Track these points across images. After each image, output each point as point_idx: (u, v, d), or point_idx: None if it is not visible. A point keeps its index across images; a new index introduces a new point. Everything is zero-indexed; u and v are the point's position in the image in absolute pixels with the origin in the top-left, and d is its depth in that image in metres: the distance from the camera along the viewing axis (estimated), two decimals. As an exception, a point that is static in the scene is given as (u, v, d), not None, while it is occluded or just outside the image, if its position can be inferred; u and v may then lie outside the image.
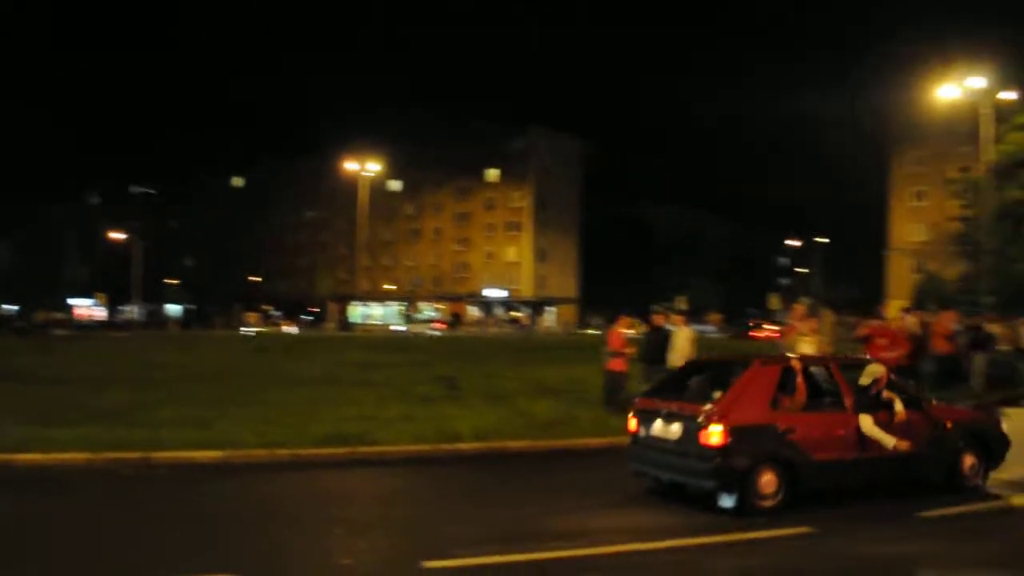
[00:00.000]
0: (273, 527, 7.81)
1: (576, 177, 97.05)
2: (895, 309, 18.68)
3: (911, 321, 17.13)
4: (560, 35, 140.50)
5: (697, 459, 8.04)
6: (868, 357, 12.11)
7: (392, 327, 74.93)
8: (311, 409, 14.17)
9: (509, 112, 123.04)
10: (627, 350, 14.67)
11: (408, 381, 19.39)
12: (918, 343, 16.45)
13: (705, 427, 7.98)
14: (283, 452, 11.02)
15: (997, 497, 8.94)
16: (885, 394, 8.75)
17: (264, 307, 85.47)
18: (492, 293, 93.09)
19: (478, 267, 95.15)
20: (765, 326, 63.24)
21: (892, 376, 9.11)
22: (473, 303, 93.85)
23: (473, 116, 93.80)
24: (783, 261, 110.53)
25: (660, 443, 8.63)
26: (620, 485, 10.01)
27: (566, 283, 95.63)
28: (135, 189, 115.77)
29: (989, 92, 35.67)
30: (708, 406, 8.20)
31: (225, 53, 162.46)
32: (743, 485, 7.93)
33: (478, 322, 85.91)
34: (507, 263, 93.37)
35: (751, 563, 6.73)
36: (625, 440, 12.36)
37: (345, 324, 79.78)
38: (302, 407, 14.44)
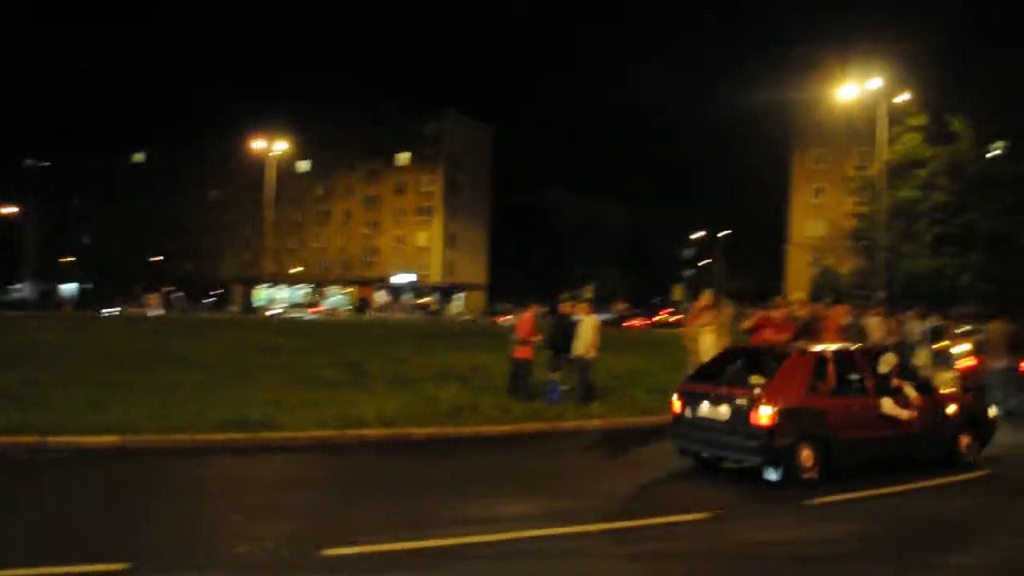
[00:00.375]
0: (169, 514, 7.67)
1: (487, 164, 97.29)
2: (797, 299, 19.32)
3: (797, 307, 17.70)
4: (474, 23, 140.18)
5: (746, 437, 9.02)
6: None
7: (268, 312, 74.08)
8: (211, 393, 13.90)
9: (422, 96, 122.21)
10: (534, 338, 14.81)
11: (313, 366, 19.19)
12: (806, 330, 17.04)
13: (755, 409, 8.93)
14: (181, 437, 10.80)
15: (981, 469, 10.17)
16: (895, 381, 9.87)
17: (166, 288, 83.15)
18: (401, 278, 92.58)
19: (388, 251, 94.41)
20: (656, 316, 65.15)
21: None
22: (382, 288, 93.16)
23: (386, 98, 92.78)
24: (687, 252, 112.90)
25: (708, 423, 9.57)
26: (521, 472, 10.16)
27: (475, 269, 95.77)
28: (29, 162, 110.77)
29: (886, 94, 37.06)
30: (757, 390, 9.13)
31: (126, 22, 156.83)
32: (787, 461, 8.92)
33: (386, 307, 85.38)
34: (417, 248, 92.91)
35: (643, 549, 6.89)
36: (531, 427, 12.65)
37: (249, 307, 78.38)
38: (201, 391, 14.14)
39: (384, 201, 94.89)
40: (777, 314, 15.91)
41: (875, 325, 18.37)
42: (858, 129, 58.78)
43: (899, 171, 53.29)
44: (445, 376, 17.57)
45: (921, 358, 18.74)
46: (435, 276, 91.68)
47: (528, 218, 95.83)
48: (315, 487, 9.22)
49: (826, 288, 54.21)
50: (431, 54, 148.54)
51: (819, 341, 17.12)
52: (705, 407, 9.62)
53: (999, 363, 16.36)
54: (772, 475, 9.01)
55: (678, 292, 68.68)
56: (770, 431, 8.85)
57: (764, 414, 8.88)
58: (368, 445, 11.35)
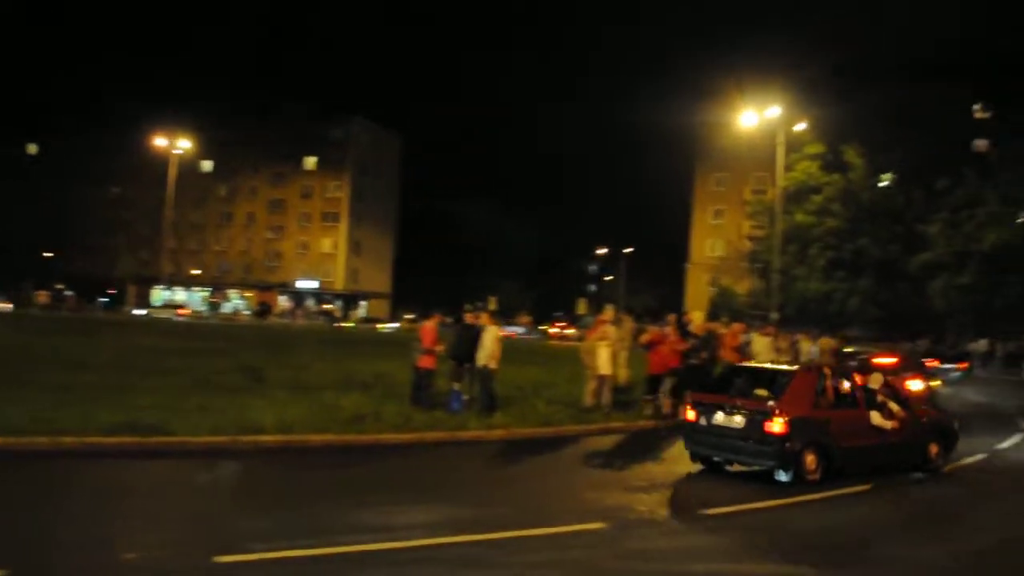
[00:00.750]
0: (52, 520, 7.38)
1: (394, 171, 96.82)
2: (697, 318, 19.89)
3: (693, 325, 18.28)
4: (384, 30, 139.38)
5: (759, 443, 10.18)
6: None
7: (134, 311, 72.44)
8: (101, 395, 13.44)
9: (330, 101, 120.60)
10: (437, 347, 14.81)
11: (210, 370, 18.73)
12: (703, 347, 17.59)
13: (770, 419, 10.05)
14: (69, 440, 10.40)
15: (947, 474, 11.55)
16: (880, 397, 11.21)
17: (57, 286, 79.95)
18: (304, 284, 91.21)
19: (291, 256, 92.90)
20: (552, 328, 66.23)
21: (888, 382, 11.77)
22: (284, 293, 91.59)
23: (293, 101, 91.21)
24: (592, 268, 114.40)
25: (722, 430, 10.65)
26: (421, 481, 10.15)
27: (380, 277, 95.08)
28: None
29: (784, 122, 38.38)
30: (771, 403, 10.27)
31: (27, 8, 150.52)
32: (796, 464, 10.09)
33: (288, 313, 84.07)
34: (321, 254, 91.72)
35: (540, 558, 6.95)
36: (432, 436, 12.63)
37: (145, 308, 76.14)
38: (90, 393, 13.66)
39: (289, 205, 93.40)
40: (671, 331, 16.40)
41: (763, 345, 18.98)
42: (757, 155, 60.71)
43: (795, 197, 55.33)
44: (347, 383, 17.39)
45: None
46: (339, 283, 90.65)
47: (436, 228, 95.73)
48: (208, 494, 9.02)
49: (723, 307, 55.70)
50: (342, 57, 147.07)
51: (716, 357, 17.83)
52: (720, 416, 10.71)
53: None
54: (783, 476, 10.14)
55: (582, 306, 69.57)
56: (782, 438, 10.02)
57: (778, 423, 10.04)
58: (265, 452, 11.16)
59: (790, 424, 10.03)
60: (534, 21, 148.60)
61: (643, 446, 13.55)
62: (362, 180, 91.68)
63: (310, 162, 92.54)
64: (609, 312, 17.44)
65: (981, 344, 45.10)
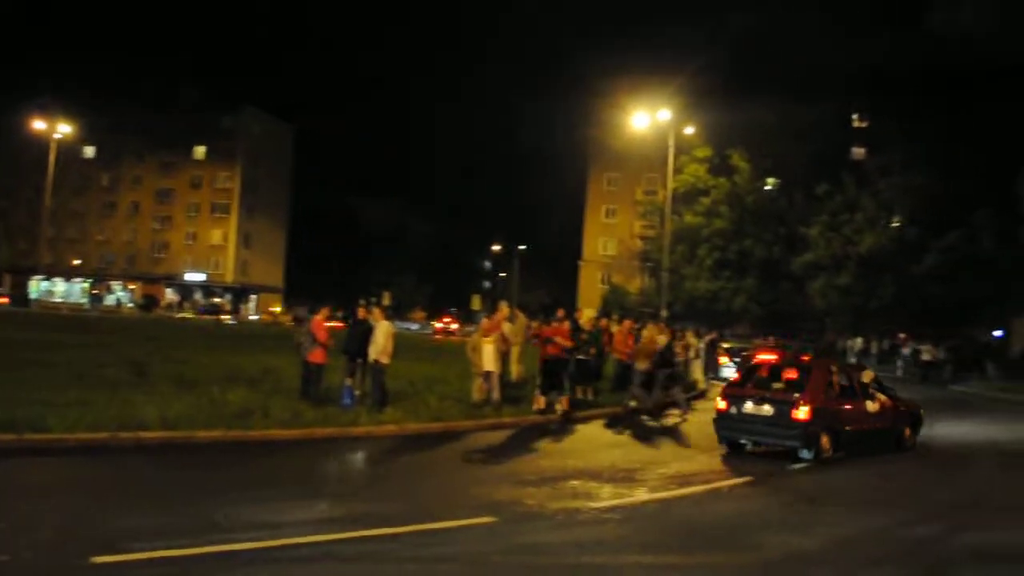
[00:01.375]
0: (-85, 520, 7.02)
1: (287, 163, 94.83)
2: (587, 316, 20.34)
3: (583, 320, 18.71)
4: (278, 17, 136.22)
5: (786, 428, 12.24)
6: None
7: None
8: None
9: (222, 89, 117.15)
10: (328, 342, 14.68)
11: (92, 364, 18.06)
12: (594, 344, 18.07)
13: (796, 407, 12.17)
14: (-67, 438, 9.90)
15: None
16: (871, 389, 13.56)
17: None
18: (192, 276, 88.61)
19: (178, 248, 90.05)
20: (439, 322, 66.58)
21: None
22: (171, 285, 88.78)
23: (184, 87, 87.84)
24: (487, 264, 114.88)
25: (752, 418, 12.67)
26: (310, 477, 10.05)
27: (271, 271, 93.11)
28: None
29: (674, 126, 39.33)
30: (796, 394, 12.43)
31: None
32: (816, 445, 12.22)
33: (175, 306, 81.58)
34: (210, 246, 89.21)
35: (430, 552, 7.00)
36: (322, 432, 12.50)
37: (23, 299, 72.51)
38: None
39: (177, 195, 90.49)
40: (560, 326, 16.72)
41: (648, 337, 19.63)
42: (649, 156, 61.90)
43: (684, 198, 56.83)
44: (234, 378, 17.02)
45: (697, 370, 20.07)
46: (228, 276, 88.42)
47: (331, 221, 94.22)
48: (85, 492, 8.69)
49: (614, 304, 56.79)
50: (235, 46, 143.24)
51: (603, 353, 18.28)
52: (750, 406, 12.71)
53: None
54: (805, 454, 12.27)
55: (476, 302, 69.80)
56: (806, 424, 12.12)
57: (803, 411, 12.16)
58: (146, 448, 10.83)
59: (812, 412, 12.14)
60: (431, 14, 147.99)
61: (533, 441, 13.72)
62: (254, 171, 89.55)
63: (199, 151, 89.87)
64: (503, 309, 17.59)
65: (857, 342, 47.22)
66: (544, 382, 16.02)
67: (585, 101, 72.61)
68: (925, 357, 37.55)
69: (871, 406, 13.27)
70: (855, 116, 67.57)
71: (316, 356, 14.63)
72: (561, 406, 15.80)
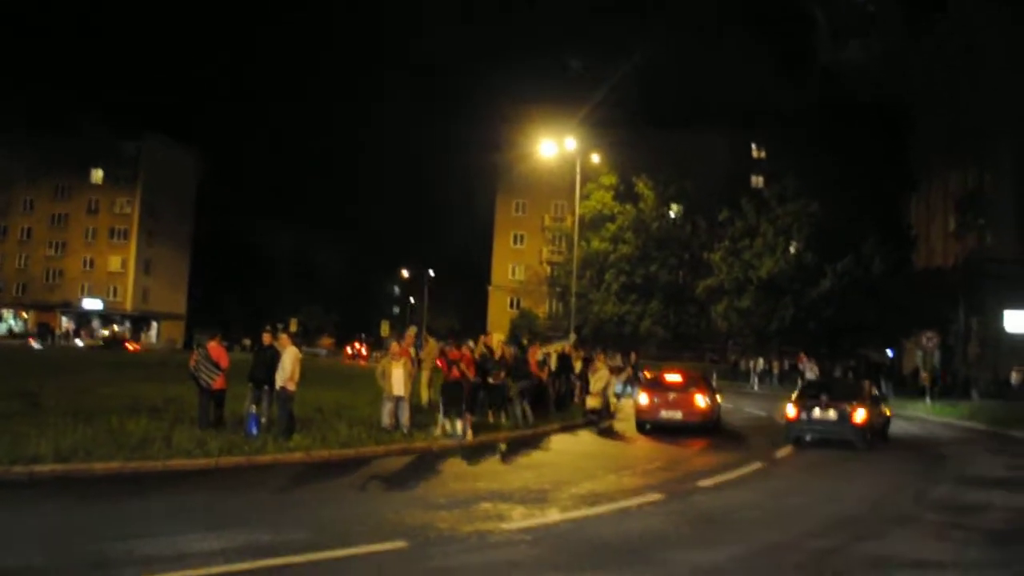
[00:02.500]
0: None
1: (190, 188, 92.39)
2: (496, 339, 20.53)
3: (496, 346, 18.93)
4: (185, 40, 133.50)
5: (847, 428, 17.23)
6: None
7: None
8: None
9: (123, 112, 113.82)
10: (226, 366, 14.51)
11: (-23, 396, 17.26)
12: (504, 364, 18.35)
13: (855, 412, 17.27)
14: None
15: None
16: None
17: None
18: (89, 304, 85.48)
19: (75, 275, 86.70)
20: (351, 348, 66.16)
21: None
22: (66, 313, 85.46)
23: (82, 111, 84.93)
24: (396, 289, 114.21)
25: (820, 421, 17.53)
26: (216, 507, 9.80)
27: (174, 298, 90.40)
28: None
29: (581, 153, 40.02)
30: (855, 403, 17.55)
31: None
32: (866, 439, 17.29)
33: (71, 334, 78.51)
34: (108, 272, 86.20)
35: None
36: (228, 461, 12.22)
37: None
38: None
39: (72, 220, 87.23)
40: (467, 351, 16.89)
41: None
42: (556, 183, 62.74)
43: (591, 224, 57.78)
44: (135, 408, 16.51)
45: (604, 386, 20.54)
46: (128, 303, 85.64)
47: (236, 248, 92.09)
48: (-25, 528, 8.31)
49: (523, 328, 57.16)
50: (134, 69, 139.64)
51: (510, 375, 18.57)
52: (817, 412, 17.50)
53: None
54: (861, 446, 17.11)
55: (385, 328, 69.24)
56: (863, 425, 17.27)
57: (861, 415, 17.26)
58: (41, 482, 10.42)
59: (866, 416, 17.25)
60: (343, 38, 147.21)
61: (443, 464, 13.68)
62: (154, 196, 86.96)
63: (97, 175, 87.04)
64: (411, 334, 17.60)
65: (759, 362, 48.56)
66: (445, 406, 16.08)
67: (494, 128, 73.04)
68: (809, 376, 39.33)
69: (877, 411, 18.58)
70: (754, 146, 69.92)
71: (218, 383, 14.38)
72: (460, 429, 15.83)
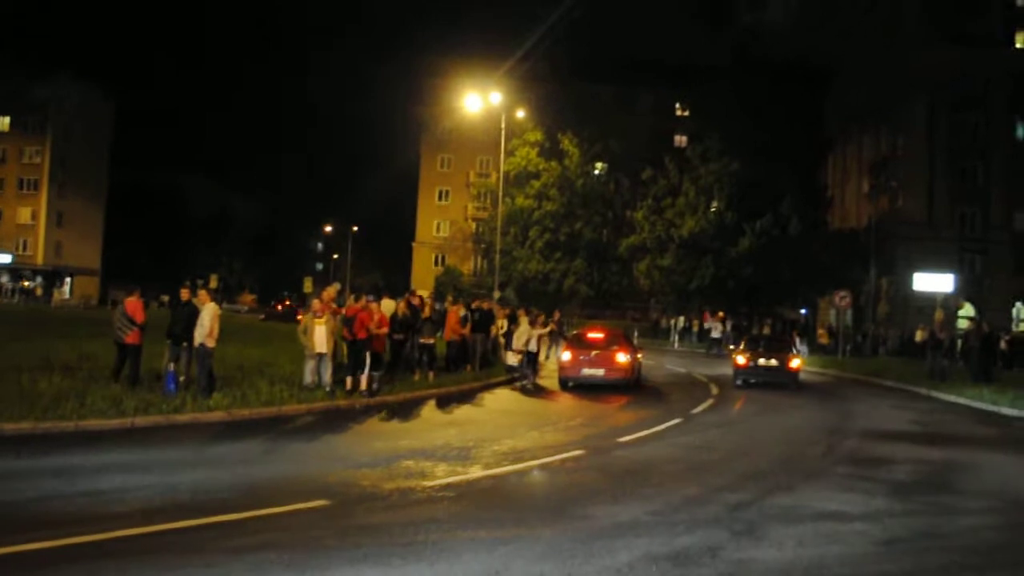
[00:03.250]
0: None
1: (105, 139, 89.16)
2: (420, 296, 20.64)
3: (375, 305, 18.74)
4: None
5: (785, 374, 22.17)
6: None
7: None
8: None
9: (32, 56, 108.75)
10: (142, 321, 14.23)
11: None
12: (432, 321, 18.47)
13: (790, 361, 22.50)
14: None
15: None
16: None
17: None
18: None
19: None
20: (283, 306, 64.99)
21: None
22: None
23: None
24: (319, 246, 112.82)
25: (763, 368, 22.26)
26: (133, 467, 9.63)
27: (88, 252, 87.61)
28: None
29: (506, 109, 39.84)
30: (790, 354, 23.04)
31: None
32: (798, 381, 22.55)
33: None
34: (18, 225, 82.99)
35: (259, 540, 6.86)
36: (144, 421, 11.99)
37: None
38: None
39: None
40: (376, 307, 16.79)
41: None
42: (481, 139, 62.47)
43: (516, 181, 57.71)
44: (47, 366, 16.05)
45: (526, 343, 20.82)
46: (39, 258, 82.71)
47: (154, 201, 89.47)
48: None
49: (448, 286, 57.10)
50: (54, 10, 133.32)
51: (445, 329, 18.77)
52: (762, 361, 22.36)
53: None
54: (793, 387, 22.03)
55: (308, 284, 68.49)
56: (796, 371, 22.46)
57: (795, 364, 22.56)
58: (-53, 443, 10.09)
59: (798, 364, 22.77)
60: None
61: (366, 423, 13.67)
62: (67, 145, 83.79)
63: (3, 123, 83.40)
64: (332, 290, 17.44)
65: (680, 320, 49.51)
66: (351, 362, 15.94)
67: (419, 82, 72.17)
68: (714, 334, 41.04)
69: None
70: (677, 105, 70.55)
71: (131, 338, 14.11)
72: (363, 386, 15.74)
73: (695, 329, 49.27)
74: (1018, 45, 55.64)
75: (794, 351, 24.20)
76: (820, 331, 43.50)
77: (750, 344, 24.20)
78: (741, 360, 22.43)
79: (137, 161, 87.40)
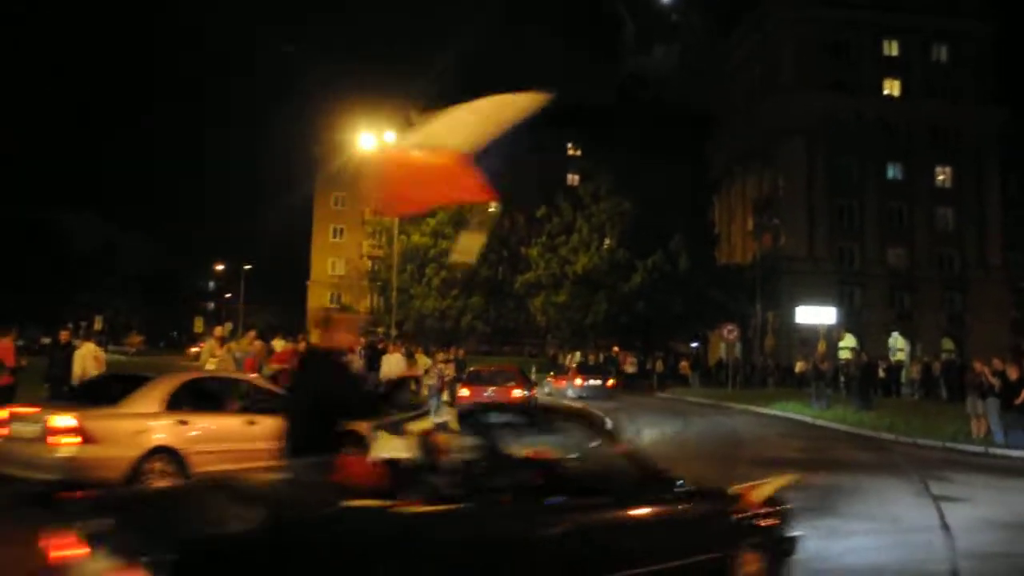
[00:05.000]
0: None
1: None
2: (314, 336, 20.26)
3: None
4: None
5: (604, 390, 32.18)
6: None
7: None
8: None
9: None
10: (12, 364, 13.68)
11: None
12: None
13: (608, 380, 33.58)
14: None
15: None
16: None
17: None
18: None
19: None
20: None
21: None
22: None
23: None
24: (210, 285, 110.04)
25: (590, 387, 32.00)
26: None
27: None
28: None
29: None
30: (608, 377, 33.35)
31: None
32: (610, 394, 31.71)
33: None
34: None
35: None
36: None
37: None
38: None
39: None
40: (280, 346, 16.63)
41: (394, 360, 19.99)
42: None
43: (412, 219, 57.70)
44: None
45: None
46: (-97, 300, 78.04)
47: (34, 239, 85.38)
48: None
49: (343, 325, 56.17)
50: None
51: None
52: (588, 382, 32.55)
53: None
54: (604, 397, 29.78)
55: (199, 324, 66.68)
56: (611, 388, 32.61)
57: (610, 383, 32.79)
58: None
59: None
60: (157, 24, 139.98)
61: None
62: (-65, 182, 79.81)
63: None
64: (222, 330, 17.11)
65: (576, 355, 50.04)
66: None
67: (312, 120, 71.72)
68: (629, 369, 41.40)
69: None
70: (569, 144, 72.02)
71: (2, 380, 13.55)
72: None
73: (591, 363, 49.91)
74: (886, 92, 59.03)
75: (611, 374, 35.23)
76: (683, 363, 45.38)
77: (580, 369, 34.98)
78: (578, 381, 32.21)
79: (17, 197, 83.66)
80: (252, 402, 10.17)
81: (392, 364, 19.19)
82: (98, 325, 55.16)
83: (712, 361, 53.17)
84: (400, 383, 9.53)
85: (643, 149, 50.09)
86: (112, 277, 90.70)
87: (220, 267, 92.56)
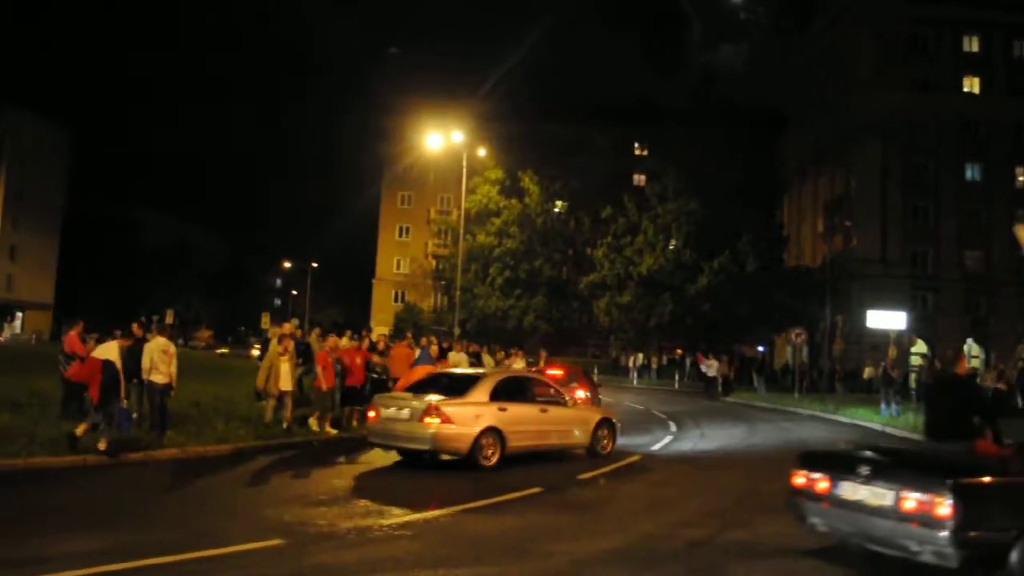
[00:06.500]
0: None
1: (61, 170, 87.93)
2: (377, 334, 20.40)
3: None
4: (63, 15, 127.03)
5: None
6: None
7: None
8: None
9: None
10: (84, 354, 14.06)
11: None
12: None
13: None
14: None
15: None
16: None
17: None
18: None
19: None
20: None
21: None
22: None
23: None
24: (278, 282, 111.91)
25: None
26: (81, 506, 9.42)
27: (42, 286, 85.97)
28: None
29: (468, 146, 40.05)
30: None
31: None
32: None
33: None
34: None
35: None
36: (95, 459, 11.66)
37: None
38: None
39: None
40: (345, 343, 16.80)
41: (459, 357, 20.06)
42: (442, 176, 62.67)
43: (477, 218, 57.95)
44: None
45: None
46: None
47: (111, 235, 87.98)
48: None
49: (408, 322, 56.86)
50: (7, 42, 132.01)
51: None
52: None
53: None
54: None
55: (266, 320, 67.80)
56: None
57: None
58: None
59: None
60: (232, 32, 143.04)
61: (325, 459, 13.51)
62: (20, 177, 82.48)
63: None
64: (290, 326, 17.31)
65: (639, 357, 49.74)
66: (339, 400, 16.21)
67: (381, 120, 72.26)
68: (712, 373, 40.02)
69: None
70: (636, 144, 71.49)
71: (72, 373, 13.90)
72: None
73: (654, 366, 49.50)
74: (965, 90, 57.31)
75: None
76: (712, 361, 42.71)
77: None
78: None
79: (95, 193, 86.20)
80: (540, 396, 14.00)
81: (456, 363, 19.21)
82: (169, 319, 56.46)
83: (778, 365, 52.26)
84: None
85: (711, 149, 49.48)
86: (185, 273, 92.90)
87: (287, 264, 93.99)
